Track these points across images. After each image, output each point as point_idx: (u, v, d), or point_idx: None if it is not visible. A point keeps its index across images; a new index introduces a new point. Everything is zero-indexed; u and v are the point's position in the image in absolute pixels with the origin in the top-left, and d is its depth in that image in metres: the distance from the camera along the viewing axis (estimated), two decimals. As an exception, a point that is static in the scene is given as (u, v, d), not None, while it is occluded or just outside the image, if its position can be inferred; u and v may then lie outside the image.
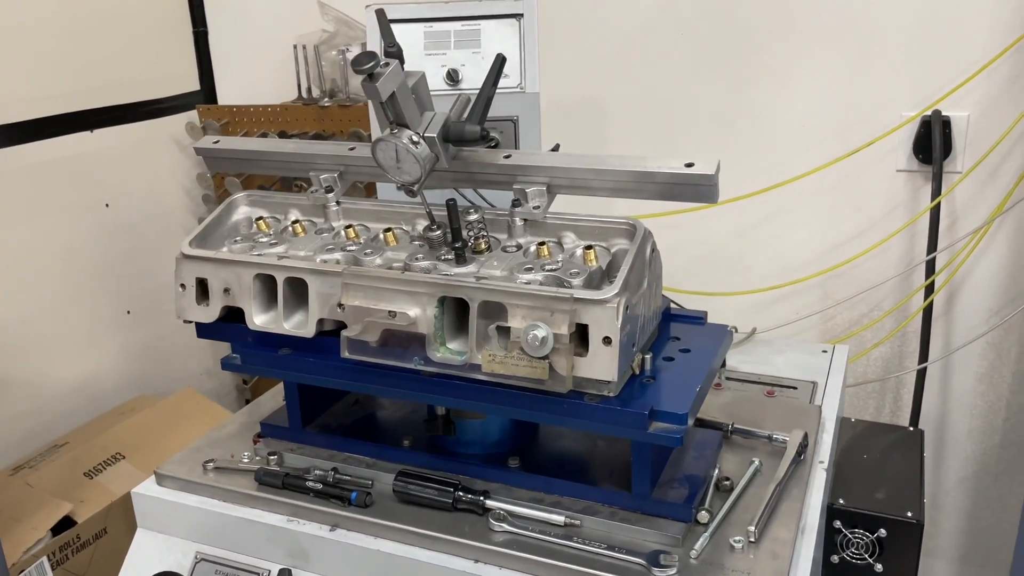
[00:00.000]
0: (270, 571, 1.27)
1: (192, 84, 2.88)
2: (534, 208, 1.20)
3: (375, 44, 1.66)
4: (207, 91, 2.92)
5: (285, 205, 1.38)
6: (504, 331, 1.09)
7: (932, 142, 2.09)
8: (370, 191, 2.40)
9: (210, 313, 1.28)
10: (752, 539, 1.13)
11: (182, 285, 1.29)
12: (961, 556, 2.46)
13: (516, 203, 1.21)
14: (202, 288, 1.28)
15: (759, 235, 2.42)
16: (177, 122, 2.79)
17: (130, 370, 2.70)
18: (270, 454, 1.35)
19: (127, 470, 2.25)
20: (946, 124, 2.11)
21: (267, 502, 1.28)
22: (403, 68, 1.13)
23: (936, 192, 2.11)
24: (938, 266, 2.20)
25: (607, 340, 1.05)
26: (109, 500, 2.14)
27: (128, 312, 2.68)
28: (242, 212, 1.39)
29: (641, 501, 1.17)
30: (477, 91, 1.23)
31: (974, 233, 2.16)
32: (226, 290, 1.26)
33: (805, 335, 2.41)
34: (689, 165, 1.11)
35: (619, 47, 2.41)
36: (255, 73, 2.88)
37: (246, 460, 1.36)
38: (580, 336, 1.07)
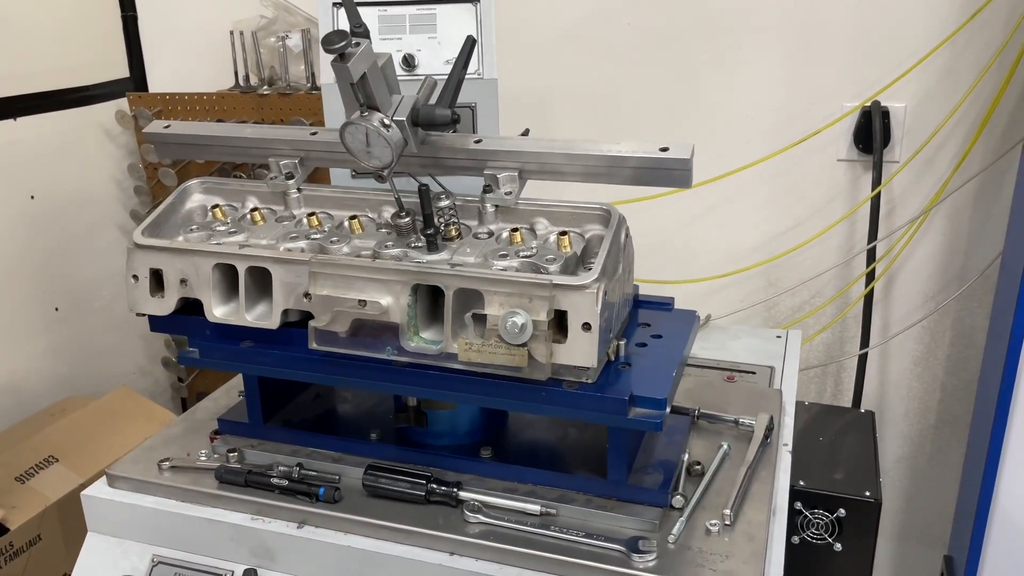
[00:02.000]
0: (233, 572, 1.22)
1: (121, 71, 2.77)
2: (506, 194, 1.18)
3: (327, 30, 1.62)
4: (137, 78, 2.81)
5: (242, 192, 1.33)
6: (480, 319, 1.07)
7: (872, 133, 2.14)
8: (316, 178, 2.34)
9: (165, 305, 1.22)
10: (727, 522, 1.14)
11: (134, 276, 1.23)
12: (899, 534, 2.54)
13: (487, 189, 1.19)
14: (156, 279, 1.22)
15: (704, 224, 2.45)
16: (106, 110, 2.68)
17: (59, 370, 2.58)
18: (229, 451, 1.30)
19: (61, 473, 2.15)
20: (885, 115, 2.17)
21: (229, 500, 1.23)
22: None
23: (877, 182, 2.17)
24: (878, 254, 2.26)
25: (587, 326, 1.04)
26: (43, 505, 2.04)
27: (56, 309, 2.57)
28: (196, 200, 1.34)
29: (617, 488, 1.16)
30: (433, 76, 1.21)
31: (912, 223, 2.23)
32: (183, 281, 1.20)
33: (749, 322, 2.45)
34: (664, 150, 1.11)
35: (565, 36, 2.40)
36: (188, 60, 2.78)
37: (203, 458, 1.31)
38: (557, 323, 1.06)
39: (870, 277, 2.25)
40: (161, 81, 2.82)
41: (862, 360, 2.29)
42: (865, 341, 2.27)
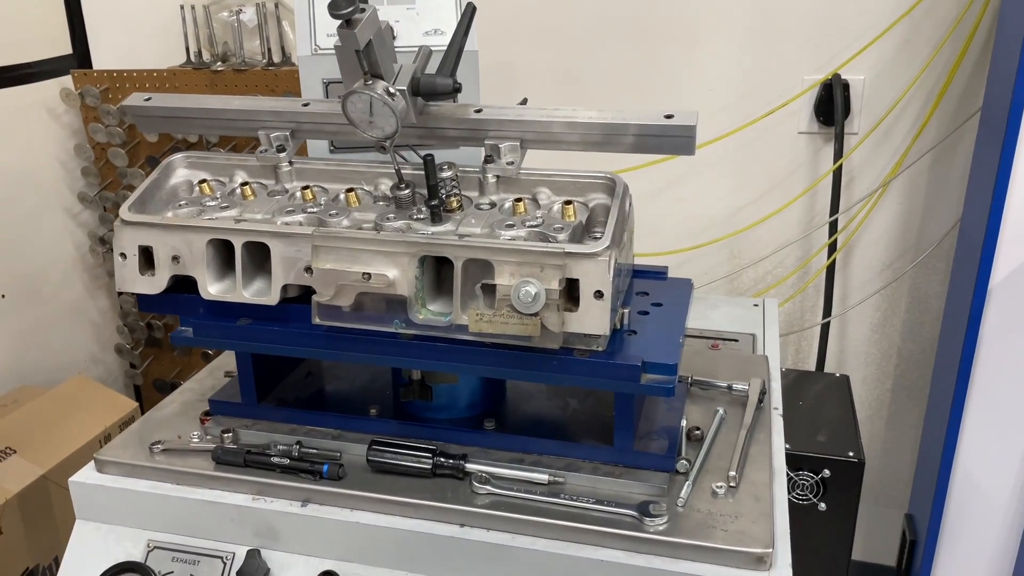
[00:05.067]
0: (234, 553, 1.19)
1: (63, 47, 2.66)
2: (507, 164, 1.17)
3: (302, 1, 1.58)
4: (80, 55, 2.70)
5: (228, 166, 1.29)
6: (490, 289, 1.06)
7: (834, 106, 2.19)
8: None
9: (156, 284, 1.18)
10: (733, 484, 1.16)
11: (122, 254, 1.18)
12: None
13: (489, 159, 1.18)
14: (146, 257, 1.18)
15: (667, 198, 2.47)
16: (48, 89, 2.58)
17: (9, 359, 2.49)
18: (224, 432, 1.27)
19: (20, 465, 2.07)
20: (844, 88, 2.21)
21: (228, 481, 1.20)
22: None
23: (838, 154, 2.22)
24: (839, 225, 2.31)
25: (599, 294, 1.04)
26: (3, 498, 1.97)
27: (3, 296, 2.47)
28: (181, 175, 1.29)
29: (623, 454, 1.17)
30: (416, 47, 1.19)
31: (871, 195, 2.29)
32: (175, 258, 1.17)
33: (714, 293, 2.50)
34: (668, 117, 1.11)
35: (527, 10, 2.39)
36: (134, 35, 2.69)
37: (196, 440, 1.28)
38: (567, 292, 1.06)
39: (832, 248, 2.31)
40: (105, 58, 2.72)
41: (824, 329, 2.35)
42: (827, 310, 2.33)
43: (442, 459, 1.17)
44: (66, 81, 2.58)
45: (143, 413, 2.31)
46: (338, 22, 1.03)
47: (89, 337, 2.81)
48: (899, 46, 2.18)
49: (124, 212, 1.18)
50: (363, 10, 1.03)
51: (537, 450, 1.21)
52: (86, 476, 1.26)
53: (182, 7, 2.48)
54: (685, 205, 2.47)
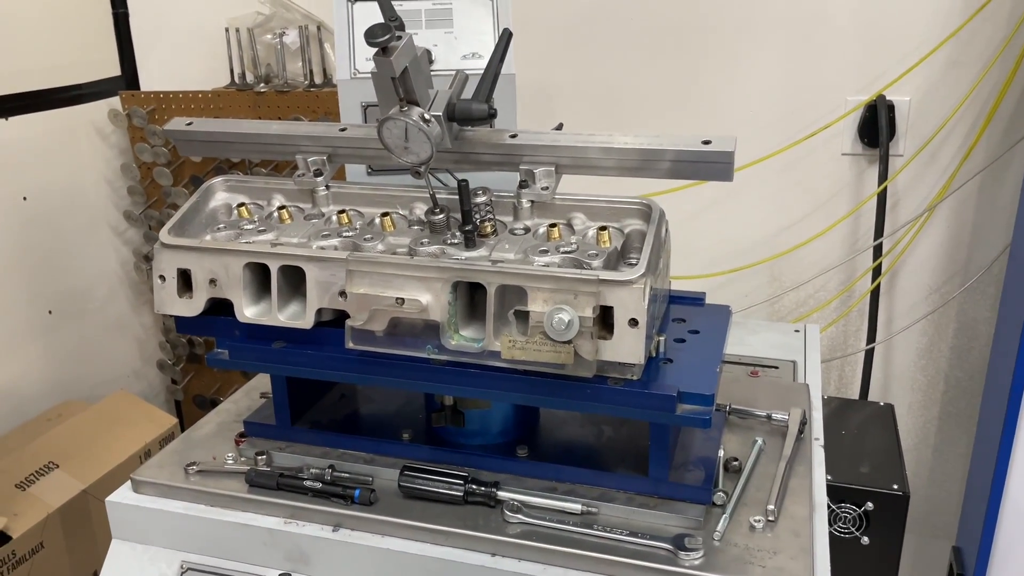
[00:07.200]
0: (266, 577, 1.20)
1: (112, 69, 2.72)
2: (542, 189, 1.16)
3: (342, 26, 1.59)
4: (129, 76, 2.75)
5: (267, 190, 1.30)
6: (523, 316, 1.05)
7: (879, 127, 2.15)
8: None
9: (194, 306, 1.20)
10: (771, 518, 1.13)
11: (161, 277, 1.20)
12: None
13: (523, 184, 1.17)
14: (184, 280, 1.19)
15: (707, 219, 2.45)
16: (97, 109, 2.63)
17: (54, 374, 2.53)
18: (258, 454, 1.27)
19: (62, 479, 2.11)
20: (890, 109, 2.17)
21: (261, 504, 1.20)
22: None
23: (883, 176, 2.18)
24: (883, 249, 2.27)
25: (633, 322, 1.02)
26: (45, 512, 2.00)
27: (50, 312, 2.52)
28: (220, 198, 1.31)
29: (658, 485, 1.15)
30: (455, 71, 1.19)
31: (917, 219, 2.24)
32: (212, 281, 1.18)
33: (753, 318, 2.46)
34: (706, 143, 1.10)
35: (568, 32, 2.40)
36: (180, 57, 2.74)
37: (231, 462, 1.28)
38: (601, 319, 1.04)
39: (876, 272, 2.26)
40: (153, 79, 2.77)
41: (868, 355, 2.30)
42: (872, 336, 2.28)
43: (474, 486, 1.16)
44: (114, 102, 2.63)
45: (183, 429, 2.35)
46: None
47: (132, 353, 2.85)
48: (946, 66, 2.13)
49: (164, 235, 1.19)
50: (399, 37, 1.03)
51: (570, 479, 1.19)
52: (122, 496, 1.27)
53: (227, 29, 2.52)
54: (725, 226, 2.44)
